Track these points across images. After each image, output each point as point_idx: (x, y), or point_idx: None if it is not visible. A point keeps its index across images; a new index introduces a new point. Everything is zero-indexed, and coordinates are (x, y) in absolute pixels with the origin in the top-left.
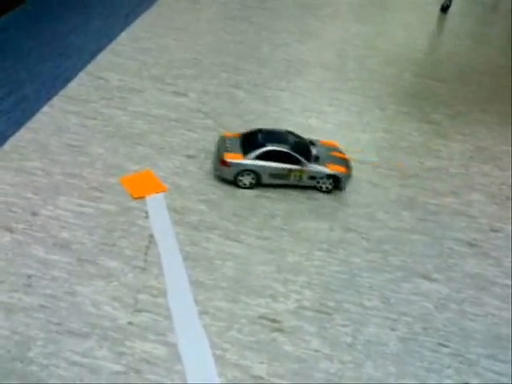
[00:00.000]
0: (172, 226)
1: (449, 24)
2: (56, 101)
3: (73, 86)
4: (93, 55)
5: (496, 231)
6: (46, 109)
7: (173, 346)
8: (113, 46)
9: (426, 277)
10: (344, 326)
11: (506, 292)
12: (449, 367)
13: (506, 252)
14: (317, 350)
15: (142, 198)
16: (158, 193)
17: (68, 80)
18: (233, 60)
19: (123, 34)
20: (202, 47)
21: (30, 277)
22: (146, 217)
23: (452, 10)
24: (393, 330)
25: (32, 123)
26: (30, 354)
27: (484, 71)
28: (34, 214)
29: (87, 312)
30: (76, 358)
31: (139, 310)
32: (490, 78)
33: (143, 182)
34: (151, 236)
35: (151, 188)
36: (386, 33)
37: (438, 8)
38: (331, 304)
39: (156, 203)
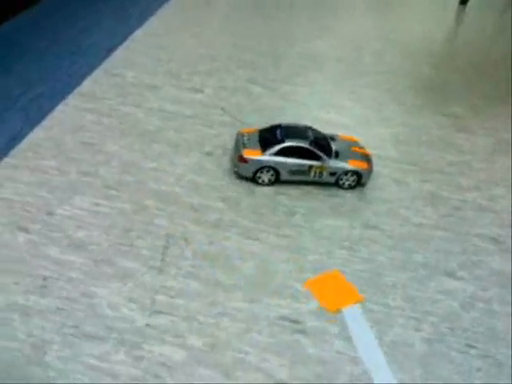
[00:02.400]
0: (375, 340)
1: (468, 16)
2: (71, 99)
3: (88, 84)
4: (108, 52)
5: None
6: (61, 107)
7: (192, 349)
8: (128, 42)
9: (450, 275)
10: (368, 326)
11: None
12: (478, 370)
13: None
14: (340, 352)
15: (338, 309)
16: (354, 303)
17: (83, 77)
18: (249, 56)
19: (138, 31)
20: (218, 43)
21: (45, 278)
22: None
23: (471, 2)
24: (418, 330)
25: (47, 121)
26: (47, 358)
27: (503, 63)
28: (50, 213)
29: (103, 314)
30: (93, 362)
31: (157, 312)
32: (508, 69)
33: (334, 289)
34: (168, 235)
35: (346, 297)
36: (404, 26)
37: (457, 0)
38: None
39: (355, 316)
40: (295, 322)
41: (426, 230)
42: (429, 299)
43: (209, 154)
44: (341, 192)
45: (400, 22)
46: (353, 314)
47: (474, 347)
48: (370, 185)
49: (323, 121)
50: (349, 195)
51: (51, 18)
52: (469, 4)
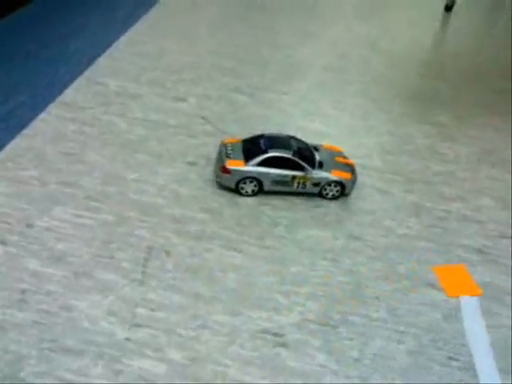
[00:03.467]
0: (487, 332)
1: (453, 23)
2: (53, 107)
3: (70, 92)
4: (91, 60)
5: (506, 237)
6: (42, 116)
7: (172, 363)
8: (111, 50)
9: (434, 286)
10: (350, 339)
11: None
12: (460, 382)
13: None
14: (322, 365)
15: (456, 296)
16: (473, 295)
17: (65, 86)
18: (233, 63)
19: (122, 38)
20: (202, 50)
21: (23, 292)
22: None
23: (456, 8)
24: (400, 342)
25: (28, 131)
26: (22, 374)
27: (489, 71)
28: (29, 225)
29: (83, 328)
30: (70, 377)
31: (137, 325)
32: (495, 77)
33: (458, 279)
34: (150, 247)
35: (466, 289)
36: (390, 33)
37: (441, 7)
38: (336, 316)
39: (471, 306)
40: (276, 335)
41: (410, 241)
42: (412, 311)
43: (192, 164)
44: (324, 202)
45: (386, 29)
46: (469, 304)
47: (456, 359)
48: (353, 195)
49: (308, 130)
50: (332, 206)
51: (35, 22)
52: (454, 10)
